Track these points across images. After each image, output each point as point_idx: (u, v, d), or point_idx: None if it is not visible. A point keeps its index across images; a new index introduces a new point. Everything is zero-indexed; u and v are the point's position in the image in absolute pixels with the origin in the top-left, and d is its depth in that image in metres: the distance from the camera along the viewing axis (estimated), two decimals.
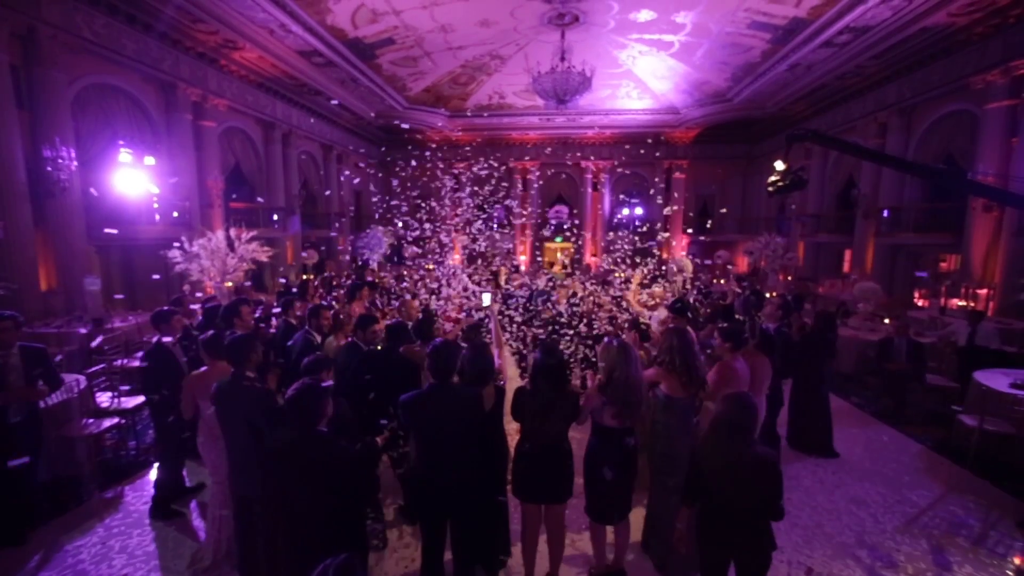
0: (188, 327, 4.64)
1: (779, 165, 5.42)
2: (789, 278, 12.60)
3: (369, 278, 10.20)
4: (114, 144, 8.95)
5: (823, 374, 5.16)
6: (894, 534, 3.79)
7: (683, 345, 3.11)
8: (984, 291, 9.03)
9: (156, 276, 9.40)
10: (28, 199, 7.29)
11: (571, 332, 5.36)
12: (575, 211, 21.25)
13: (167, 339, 4.08)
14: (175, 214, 10.14)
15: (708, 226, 20.61)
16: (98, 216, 8.53)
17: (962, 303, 8.97)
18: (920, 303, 11.09)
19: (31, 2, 7.19)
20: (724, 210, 19.50)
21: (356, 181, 18.52)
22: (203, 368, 3.37)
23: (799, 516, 4.00)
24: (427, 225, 6.42)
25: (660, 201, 17.34)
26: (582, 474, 3.07)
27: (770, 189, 5.57)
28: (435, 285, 6.37)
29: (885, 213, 11.95)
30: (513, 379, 4.56)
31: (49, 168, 7.37)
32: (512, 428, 3.17)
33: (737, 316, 5.89)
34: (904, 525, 3.90)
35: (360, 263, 14.87)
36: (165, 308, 4.28)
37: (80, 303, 7.77)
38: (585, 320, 5.66)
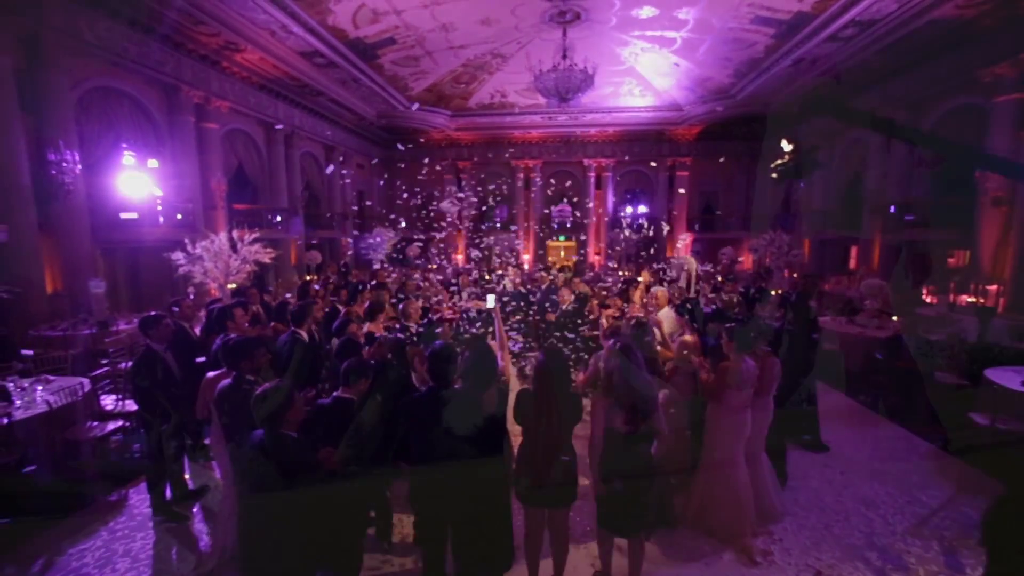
0: (183, 330, 4.59)
1: (786, 146, 5.21)
2: (795, 275, 12.51)
3: (356, 278, 10.10)
4: (117, 147, 8.97)
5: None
6: (904, 536, 3.72)
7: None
8: (994, 287, 8.91)
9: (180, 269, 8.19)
10: (32, 202, 7.33)
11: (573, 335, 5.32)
12: (578, 210, 21.16)
13: (158, 346, 3.92)
14: (179, 216, 10.17)
15: (712, 223, 20.46)
16: (103, 219, 8.56)
17: (971, 299, 8.85)
18: (928, 300, 10.95)
19: (34, 6, 7.21)
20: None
21: (349, 181, 18.46)
22: (219, 371, 3.36)
23: (807, 517, 3.95)
24: (431, 223, 6.40)
25: (663, 199, 17.23)
26: (588, 477, 3.01)
27: (774, 176, 5.35)
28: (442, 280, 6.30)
29: (892, 209, 11.82)
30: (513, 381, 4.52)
31: (53, 171, 7.39)
32: (515, 430, 3.13)
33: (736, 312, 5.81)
34: (915, 526, 3.83)
35: (343, 267, 14.67)
36: (152, 313, 4.05)
37: (85, 305, 7.80)
38: (591, 319, 5.62)
